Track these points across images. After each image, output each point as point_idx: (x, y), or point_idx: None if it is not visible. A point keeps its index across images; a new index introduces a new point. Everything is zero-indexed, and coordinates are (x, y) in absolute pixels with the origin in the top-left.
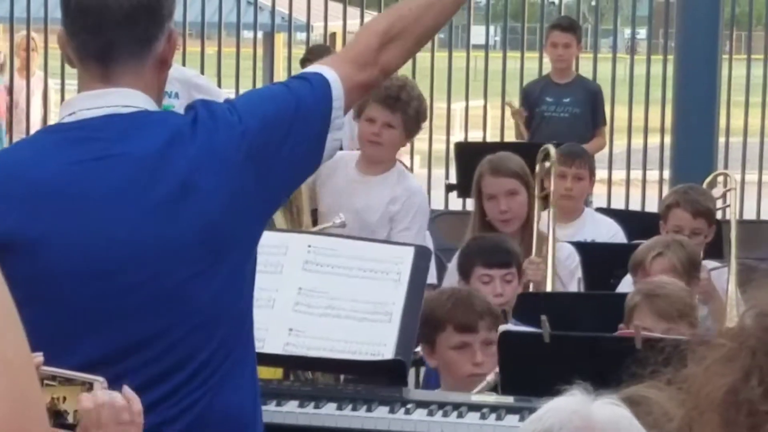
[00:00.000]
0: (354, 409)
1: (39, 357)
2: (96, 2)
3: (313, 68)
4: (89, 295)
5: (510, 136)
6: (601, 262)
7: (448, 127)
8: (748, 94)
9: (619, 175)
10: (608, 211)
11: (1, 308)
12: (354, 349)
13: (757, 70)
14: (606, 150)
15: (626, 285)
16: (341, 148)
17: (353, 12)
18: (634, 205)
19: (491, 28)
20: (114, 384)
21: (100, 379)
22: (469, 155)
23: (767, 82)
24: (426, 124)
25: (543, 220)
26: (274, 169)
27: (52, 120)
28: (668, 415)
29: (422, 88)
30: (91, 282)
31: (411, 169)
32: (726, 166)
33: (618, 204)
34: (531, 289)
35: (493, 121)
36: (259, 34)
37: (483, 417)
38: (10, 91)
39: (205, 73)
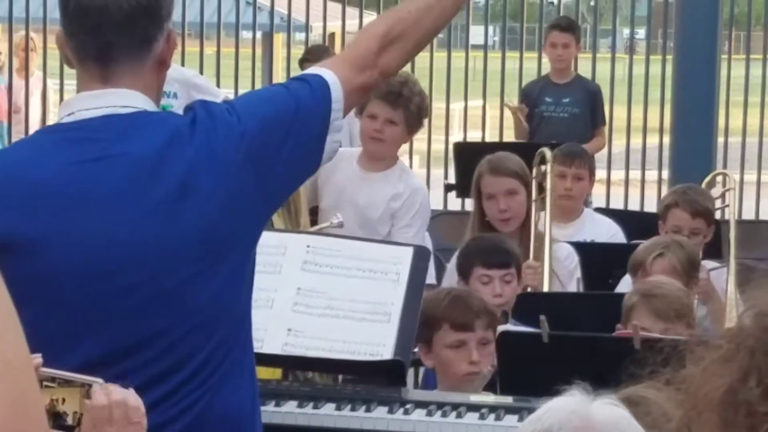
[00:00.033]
0: (353, 409)
1: (38, 358)
2: (95, 3)
3: (312, 70)
4: (89, 295)
5: (509, 136)
6: (600, 262)
7: (446, 127)
8: (747, 94)
9: (617, 175)
10: (607, 211)
11: (0, 309)
12: (353, 350)
13: (756, 70)
14: (605, 150)
15: (625, 285)
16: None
17: (352, 12)
18: (633, 205)
19: (490, 28)
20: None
21: (99, 380)
22: (467, 155)
23: (766, 82)
24: (425, 124)
25: (542, 220)
26: (273, 170)
27: (51, 120)
28: (667, 416)
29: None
30: (90, 282)
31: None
32: (725, 166)
33: (617, 204)
34: (530, 290)
35: (492, 121)
36: (258, 35)
37: (482, 417)
38: (9, 91)
39: (204, 73)
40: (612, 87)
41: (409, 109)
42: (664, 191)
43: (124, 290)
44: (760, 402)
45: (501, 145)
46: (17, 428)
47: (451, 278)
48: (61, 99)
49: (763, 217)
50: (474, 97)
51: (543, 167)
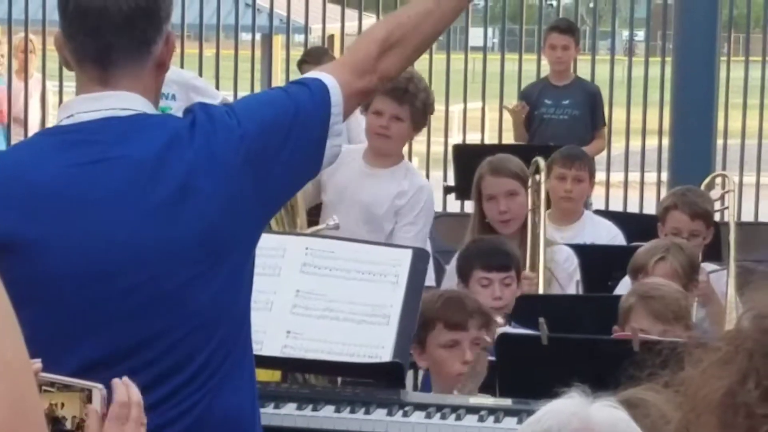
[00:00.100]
0: (352, 411)
1: (37, 363)
2: (94, 5)
3: (312, 74)
4: (88, 297)
5: (508, 138)
6: (599, 264)
7: (446, 129)
8: (746, 95)
9: (617, 177)
10: (606, 213)
11: None
12: (352, 352)
13: (755, 72)
14: (604, 152)
15: (624, 287)
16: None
17: (351, 14)
18: (632, 207)
19: (489, 30)
20: None
21: (99, 386)
22: (467, 157)
23: (765, 83)
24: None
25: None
26: (272, 173)
27: (50, 122)
28: (666, 418)
29: None
30: (90, 284)
31: None
32: (724, 168)
33: (616, 206)
34: None
35: (491, 123)
36: (257, 36)
37: (481, 419)
38: (9, 93)
39: (203, 75)
40: (611, 89)
41: (414, 105)
42: (663, 193)
43: (123, 292)
44: (759, 404)
45: (500, 147)
46: (17, 428)
47: (451, 280)
48: (61, 101)
49: (762, 219)
50: (473, 99)
51: (537, 177)
